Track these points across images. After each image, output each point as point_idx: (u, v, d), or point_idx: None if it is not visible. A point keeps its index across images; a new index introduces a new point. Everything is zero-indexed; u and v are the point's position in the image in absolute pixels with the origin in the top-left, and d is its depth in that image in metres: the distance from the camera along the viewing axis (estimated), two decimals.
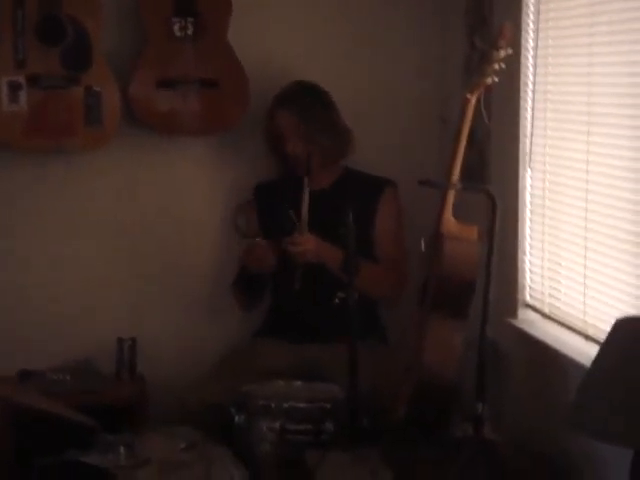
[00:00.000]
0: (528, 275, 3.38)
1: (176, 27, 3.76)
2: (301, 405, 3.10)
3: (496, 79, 3.07)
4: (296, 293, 3.56)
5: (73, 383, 3.69)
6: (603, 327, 2.81)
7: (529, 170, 3.34)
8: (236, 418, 3.12)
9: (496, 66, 3.05)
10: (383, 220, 3.72)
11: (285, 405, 3.09)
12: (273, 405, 3.09)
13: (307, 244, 3.51)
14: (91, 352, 3.84)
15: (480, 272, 2.98)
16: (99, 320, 3.92)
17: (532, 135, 3.29)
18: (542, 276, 3.30)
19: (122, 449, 2.89)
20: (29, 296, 3.89)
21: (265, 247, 3.60)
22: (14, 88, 3.66)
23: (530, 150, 3.30)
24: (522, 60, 3.29)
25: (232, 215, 3.89)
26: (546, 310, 3.28)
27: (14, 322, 3.86)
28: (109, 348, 3.77)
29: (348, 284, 3.08)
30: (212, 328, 4.00)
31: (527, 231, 3.38)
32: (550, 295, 3.26)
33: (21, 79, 3.66)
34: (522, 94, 3.32)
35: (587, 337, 2.99)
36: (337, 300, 3.38)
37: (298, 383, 3.28)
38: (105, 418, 3.07)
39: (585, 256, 3.00)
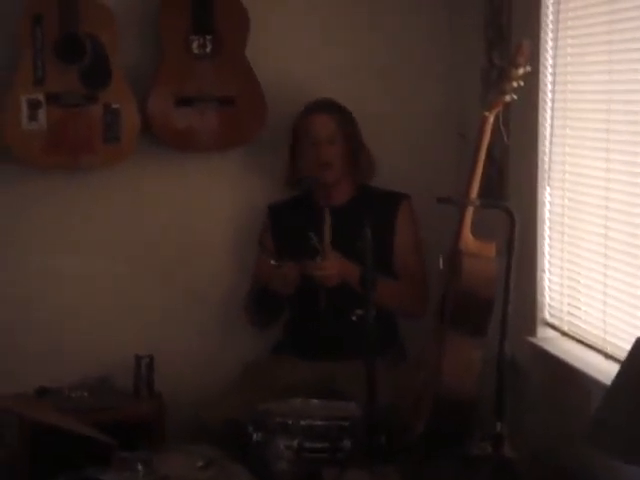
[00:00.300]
0: (547, 293, 3.37)
1: (194, 45, 3.77)
2: (318, 423, 3.09)
3: (515, 96, 3.07)
4: (320, 311, 3.56)
5: (91, 400, 3.69)
6: (623, 345, 2.80)
7: (548, 187, 3.33)
8: (254, 436, 3.11)
9: (514, 84, 3.04)
10: (402, 234, 3.72)
11: (302, 423, 3.08)
12: (290, 422, 3.07)
13: (332, 269, 3.51)
14: (109, 369, 3.84)
15: (499, 289, 2.97)
16: (116, 337, 3.91)
17: (551, 152, 3.29)
18: (561, 294, 3.28)
19: (140, 466, 2.88)
20: (46, 312, 3.89)
21: (293, 269, 3.56)
22: (33, 106, 3.67)
23: (549, 167, 3.29)
24: (541, 77, 3.29)
25: (259, 234, 3.85)
26: (565, 328, 3.27)
27: (32, 339, 3.87)
28: (127, 365, 3.76)
29: (366, 300, 3.07)
30: (229, 344, 4.00)
31: (546, 248, 3.37)
32: (569, 313, 3.25)
33: (40, 97, 3.67)
34: (541, 111, 3.31)
35: (607, 355, 2.98)
36: (354, 317, 3.37)
37: (315, 401, 3.26)
38: (123, 435, 3.07)
39: (605, 274, 2.98)
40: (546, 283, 3.37)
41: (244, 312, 3.89)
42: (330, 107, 3.71)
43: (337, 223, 3.60)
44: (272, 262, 3.55)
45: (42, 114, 3.68)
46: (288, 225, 3.73)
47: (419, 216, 3.77)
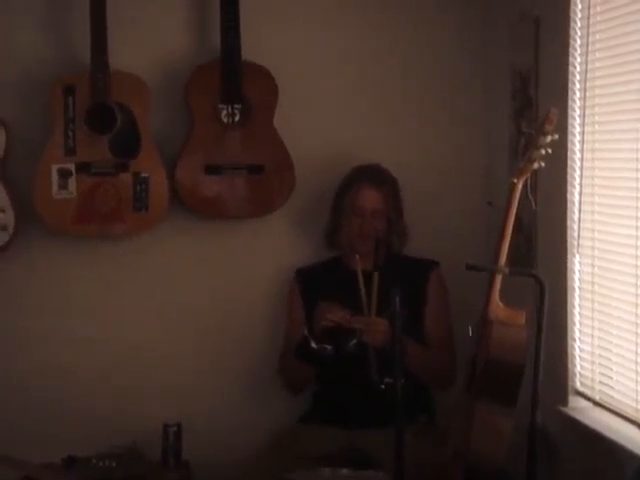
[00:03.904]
0: (578, 361, 3.34)
1: (223, 114, 3.81)
2: None
3: (542, 164, 3.07)
4: (371, 376, 3.52)
5: (118, 470, 3.66)
6: None
7: (577, 255, 3.32)
8: None
9: (542, 151, 3.04)
10: (433, 302, 3.73)
11: None
12: None
13: (382, 326, 3.48)
14: (137, 437, 3.81)
15: (529, 358, 2.95)
16: (145, 405, 3.90)
17: (580, 220, 3.28)
18: (592, 362, 3.25)
19: None
20: (76, 380, 3.89)
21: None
22: (64, 175, 3.71)
23: (578, 235, 3.28)
24: (569, 145, 3.29)
25: (287, 299, 3.88)
26: (597, 397, 3.23)
27: (60, 407, 3.86)
28: (155, 432, 3.74)
29: (395, 368, 3.05)
30: (257, 413, 3.98)
31: (576, 316, 3.34)
32: (601, 382, 3.21)
33: (71, 166, 3.71)
34: (569, 179, 3.31)
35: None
36: (383, 385, 3.34)
37: (344, 470, 3.23)
38: None
39: (637, 342, 2.96)
40: (577, 352, 3.34)
41: (279, 375, 3.88)
42: (380, 179, 3.74)
43: (366, 289, 3.60)
44: (305, 332, 3.55)
45: (72, 183, 3.72)
46: (318, 289, 3.73)
47: (448, 283, 3.78)
